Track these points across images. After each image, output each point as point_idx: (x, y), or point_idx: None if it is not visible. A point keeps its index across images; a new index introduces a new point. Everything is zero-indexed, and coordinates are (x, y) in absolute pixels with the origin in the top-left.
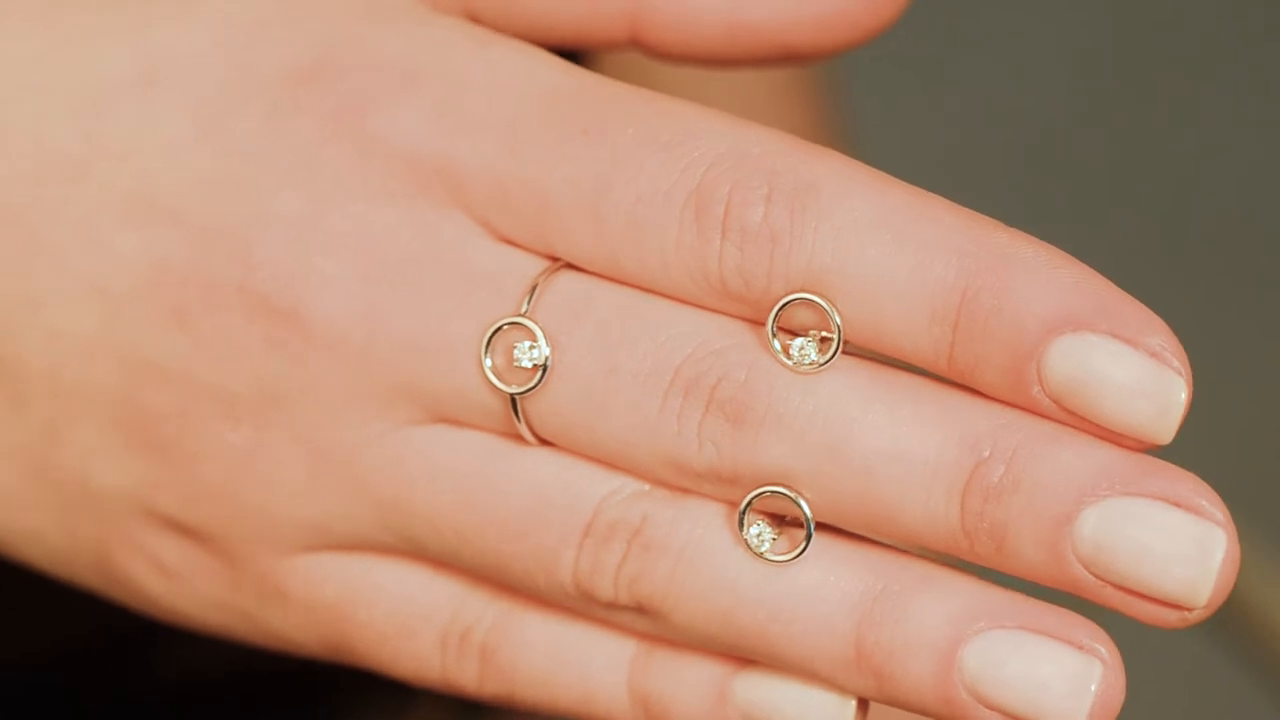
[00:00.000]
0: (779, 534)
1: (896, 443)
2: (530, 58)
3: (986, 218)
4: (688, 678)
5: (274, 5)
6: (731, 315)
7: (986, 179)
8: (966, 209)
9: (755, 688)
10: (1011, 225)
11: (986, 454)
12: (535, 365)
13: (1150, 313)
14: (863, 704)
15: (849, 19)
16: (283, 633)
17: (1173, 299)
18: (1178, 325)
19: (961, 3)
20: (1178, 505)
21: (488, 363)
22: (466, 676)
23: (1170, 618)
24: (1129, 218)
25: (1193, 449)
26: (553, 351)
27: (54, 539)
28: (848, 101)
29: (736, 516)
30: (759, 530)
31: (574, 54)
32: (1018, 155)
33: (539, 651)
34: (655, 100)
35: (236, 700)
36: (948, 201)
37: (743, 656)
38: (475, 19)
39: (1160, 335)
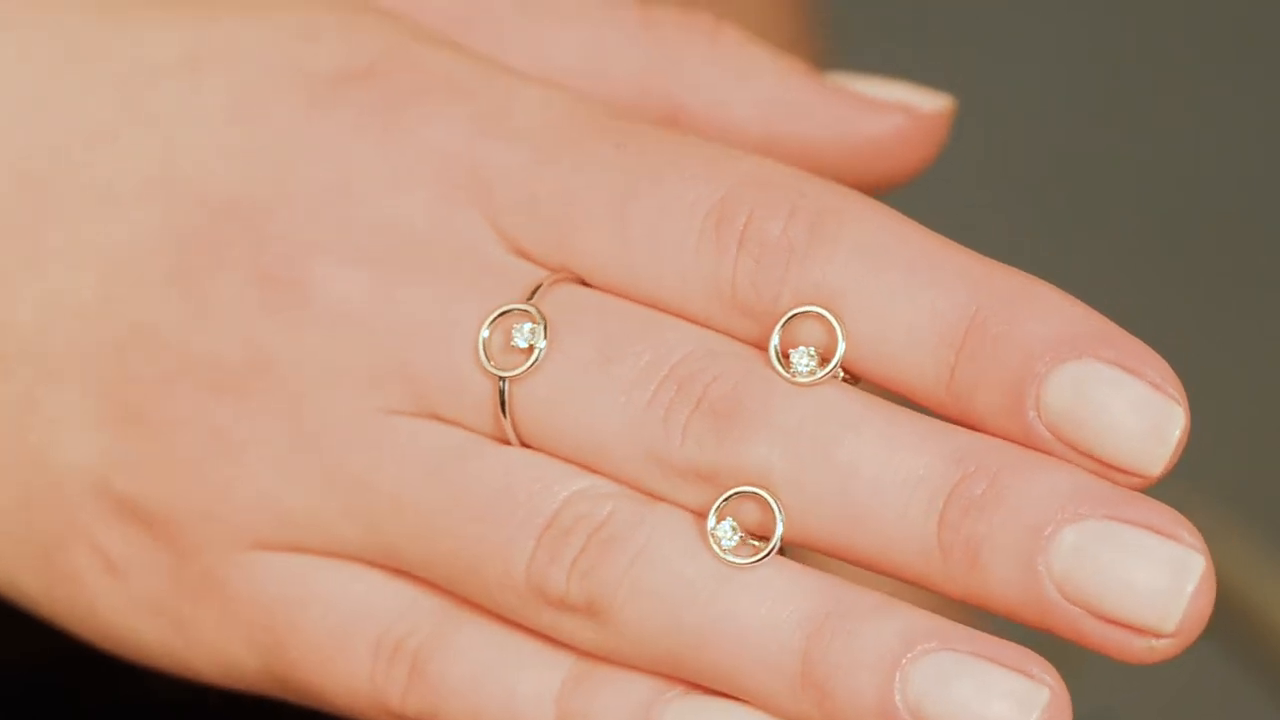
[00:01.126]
0: (743, 542)
1: (883, 451)
2: (570, 90)
3: (1000, 262)
4: (616, 700)
5: (330, 18)
6: (737, 337)
7: (986, 177)
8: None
9: (684, 715)
10: (1008, 224)
11: (971, 469)
12: (530, 345)
13: (1151, 350)
14: None
15: (882, 152)
16: (215, 643)
17: (1174, 298)
18: (1178, 324)
19: (961, 1)
20: (1157, 532)
21: (484, 335)
22: (393, 688)
23: (1137, 646)
24: (1129, 217)
25: (1193, 449)
26: (550, 340)
27: (4, 526)
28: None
29: (706, 517)
30: (728, 525)
31: None
32: (1017, 154)
33: (470, 664)
34: (690, 135)
35: (237, 701)
36: (962, 245)
37: (683, 675)
38: None
39: (1160, 369)
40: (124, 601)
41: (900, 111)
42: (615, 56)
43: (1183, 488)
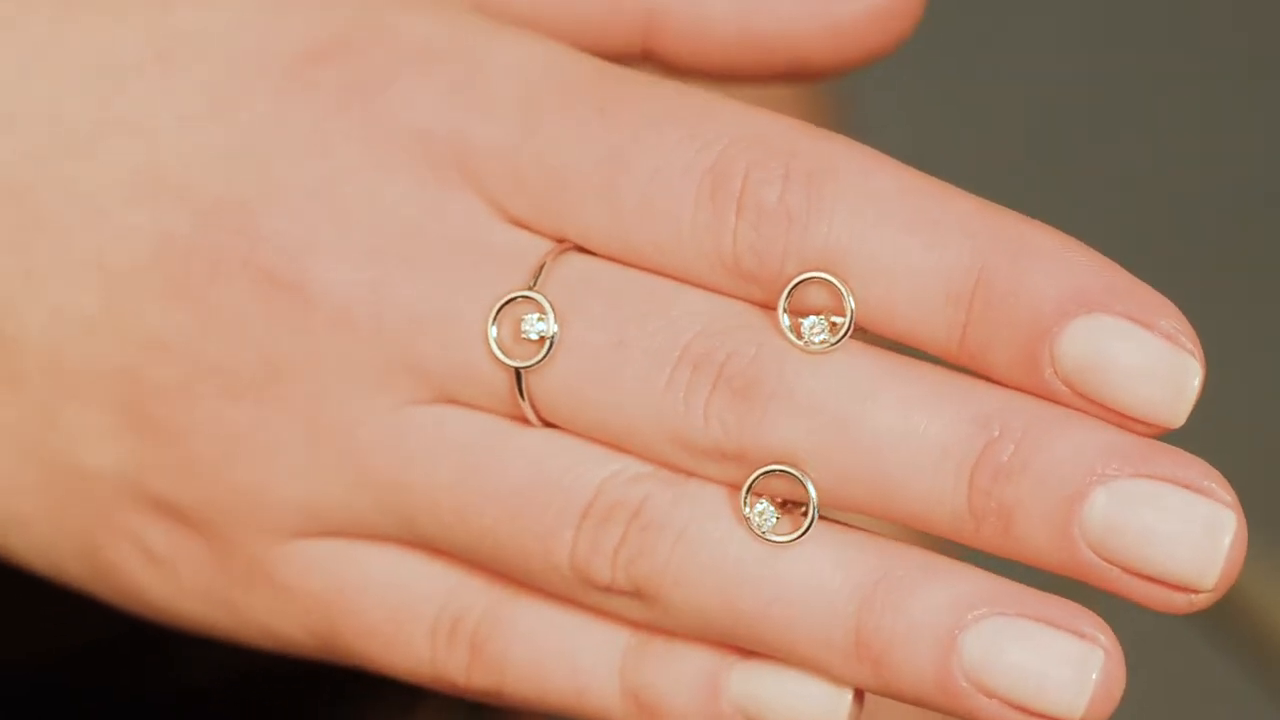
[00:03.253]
0: (781, 516)
1: (906, 420)
2: (547, 43)
3: (1000, 206)
4: (681, 671)
5: None
6: (742, 299)
7: (985, 175)
8: (980, 198)
9: (749, 680)
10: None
11: (996, 433)
12: (542, 337)
13: (1163, 298)
14: (859, 696)
15: (860, 30)
16: (270, 625)
17: (1171, 296)
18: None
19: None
20: (1187, 487)
21: (493, 332)
22: (455, 667)
23: (1177, 601)
24: (1130, 216)
25: (1192, 449)
26: (561, 325)
27: (40, 527)
28: (851, 96)
29: (739, 497)
30: (762, 508)
31: None
32: (1017, 151)
33: (530, 642)
34: (672, 85)
35: (237, 703)
36: (962, 190)
37: (738, 645)
38: None
39: (1174, 319)
40: (173, 590)
41: None
42: None
43: None
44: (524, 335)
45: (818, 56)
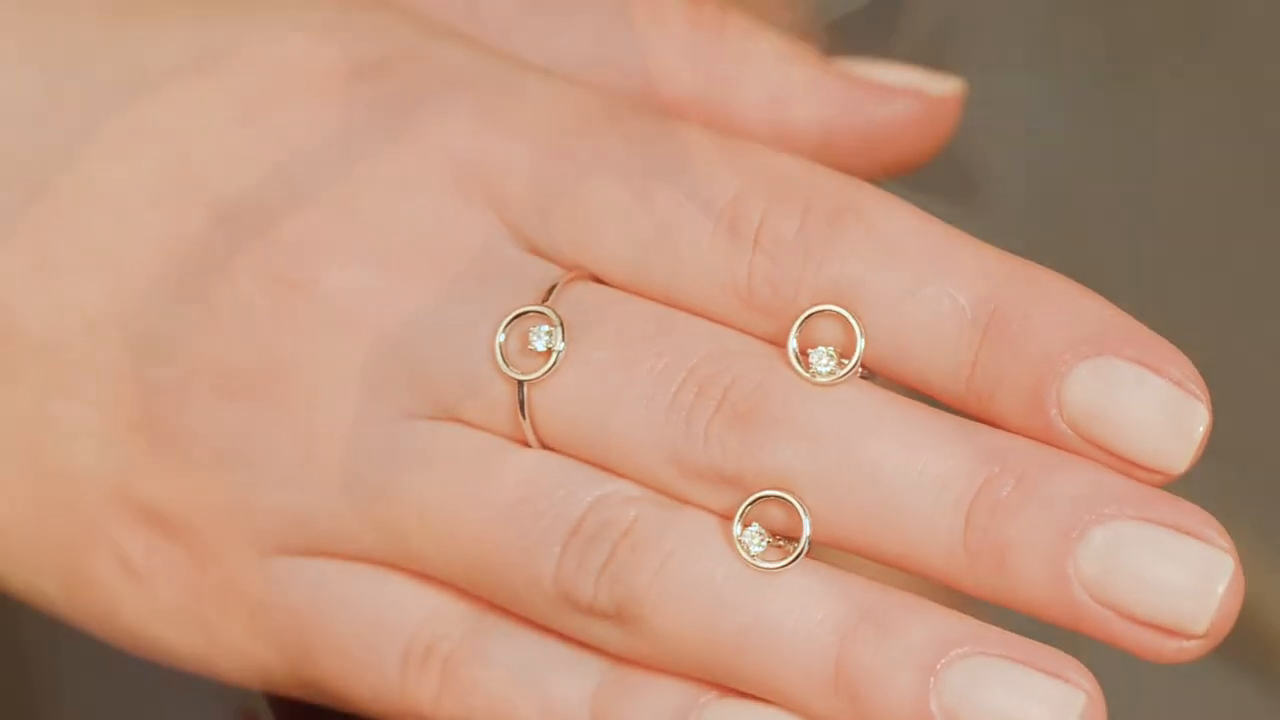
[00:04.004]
0: (772, 545)
1: (907, 453)
2: (573, 82)
3: (1016, 255)
4: (652, 707)
5: (331, 15)
6: (753, 334)
7: (985, 180)
8: (996, 247)
9: (722, 719)
10: (1006, 225)
11: (997, 470)
12: (549, 349)
13: (1174, 347)
14: None
15: (893, 137)
16: (242, 644)
17: (1173, 297)
18: (1177, 324)
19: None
20: (1186, 533)
21: (500, 339)
22: (425, 695)
23: (1168, 647)
24: (1129, 218)
25: None
26: (569, 342)
27: (22, 533)
28: None
29: (731, 522)
30: (754, 531)
31: None
32: (1018, 154)
33: (502, 671)
34: (695, 126)
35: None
36: (977, 239)
37: (715, 679)
38: None
39: (1183, 366)
40: (148, 606)
41: (910, 96)
42: (621, 49)
43: (1180, 488)
44: (530, 347)
45: (849, 155)
